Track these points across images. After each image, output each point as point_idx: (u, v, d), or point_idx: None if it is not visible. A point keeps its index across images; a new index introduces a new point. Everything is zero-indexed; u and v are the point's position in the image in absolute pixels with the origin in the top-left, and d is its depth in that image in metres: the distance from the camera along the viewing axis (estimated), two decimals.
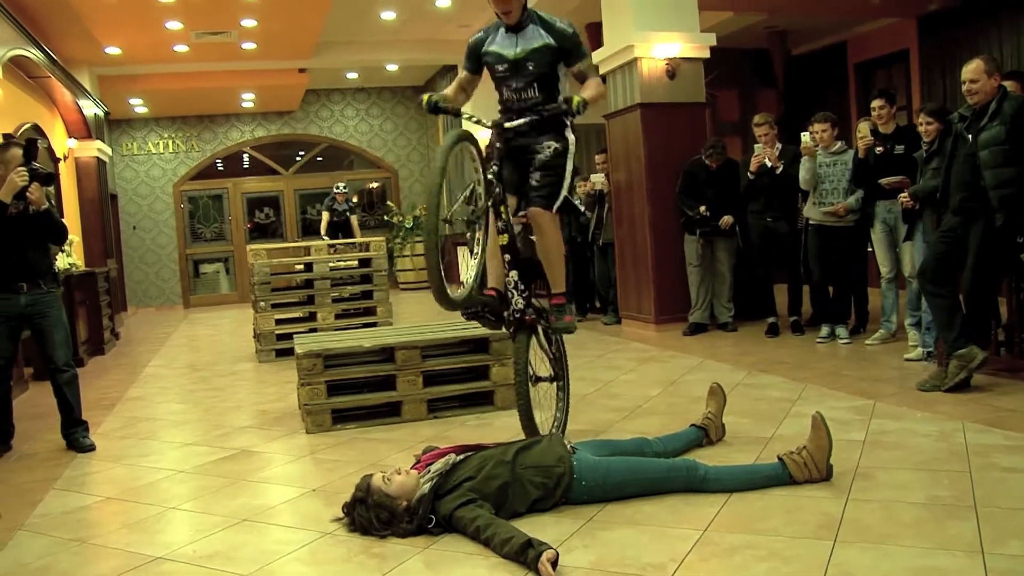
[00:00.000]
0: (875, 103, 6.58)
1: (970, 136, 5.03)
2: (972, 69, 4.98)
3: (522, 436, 4.10)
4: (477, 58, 4.36)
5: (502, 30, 4.27)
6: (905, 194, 5.99)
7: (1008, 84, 5.25)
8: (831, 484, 3.52)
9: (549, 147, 4.22)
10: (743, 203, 7.68)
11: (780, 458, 3.57)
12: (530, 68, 4.19)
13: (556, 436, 3.65)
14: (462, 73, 4.39)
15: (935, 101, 10.21)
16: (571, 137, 4.31)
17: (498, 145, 4.18)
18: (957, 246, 5.09)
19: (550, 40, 4.18)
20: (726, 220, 7.75)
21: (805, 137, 6.92)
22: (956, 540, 2.87)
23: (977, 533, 2.91)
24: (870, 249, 6.96)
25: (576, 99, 4.01)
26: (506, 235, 4.26)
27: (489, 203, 4.15)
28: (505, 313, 4.34)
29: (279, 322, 8.48)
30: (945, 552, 2.78)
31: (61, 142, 11.59)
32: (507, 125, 4.16)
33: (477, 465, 3.39)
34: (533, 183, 4.26)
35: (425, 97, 4.18)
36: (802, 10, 11.42)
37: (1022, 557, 2.71)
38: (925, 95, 11.47)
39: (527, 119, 4.15)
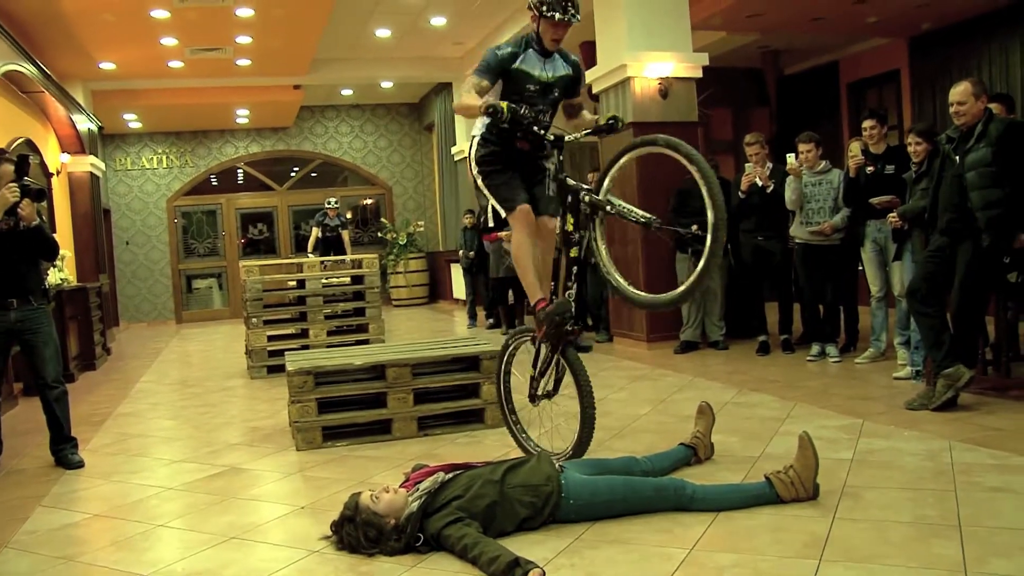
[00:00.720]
0: (866, 123, 6.63)
1: (957, 157, 5.07)
2: (960, 91, 5.03)
3: (512, 454, 4.11)
4: (503, 72, 4.21)
5: (532, 51, 4.25)
6: (894, 214, 6.03)
7: (993, 106, 5.29)
8: (818, 503, 3.53)
9: (555, 163, 4.29)
10: (734, 222, 7.71)
11: (767, 477, 3.59)
12: (555, 94, 4.35)
13: (545, 455, 3.65)
14: (484, 82, 4.17)
15: (925, 121, 10.29)
16: None
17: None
18: (945, 266, 5.12)
19: (570, 71, 4.38)
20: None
21: (791, 158, 6.97)
22: (940, 559, 2.88)
23: (961, 552, 2.93)
24: (860, 268, 6.99)
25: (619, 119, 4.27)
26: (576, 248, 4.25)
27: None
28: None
29: (271, 338, 8.49)
30: (929, 571, 2.80)
31: (54, 157, 11.60)
32: (568, 139, 4.19)
33: (465, 484, 3.40)
34: (550, 193, 4.35)
35: (505, 105, 3.96)
36: (795, 30, 11.50)
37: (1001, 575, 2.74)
38: (916, 115, 11.57)
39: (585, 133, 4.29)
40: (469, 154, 4.35)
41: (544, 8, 4.13)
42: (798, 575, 2.87)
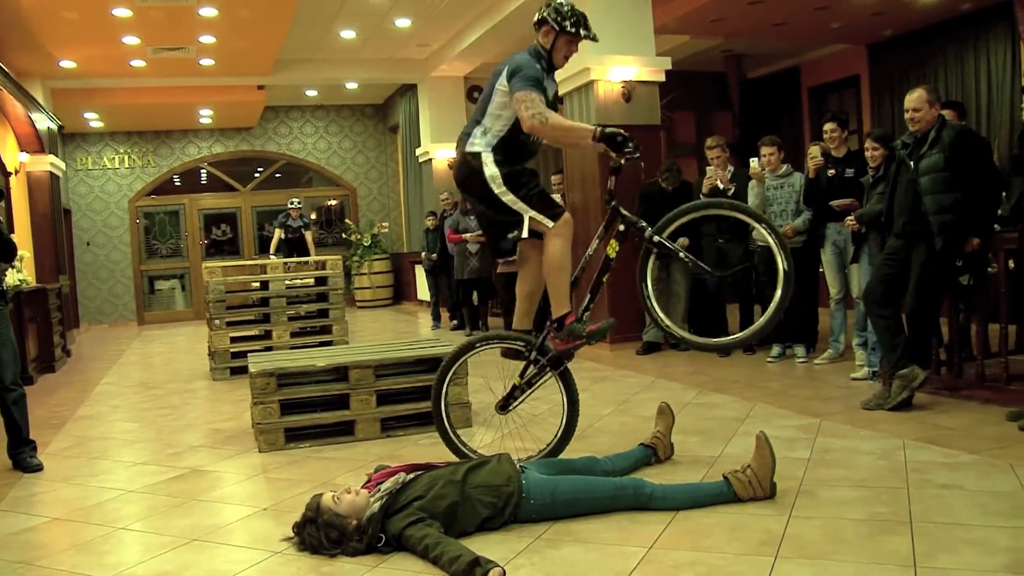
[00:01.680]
0: (827, 127, 6.73)
1: (912, 163, 5.18)
2: (915, 98, 5.14)
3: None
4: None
5: (543, 65, 4.10)
6: (851, 217, 6.13)
7: (946, 113, 5.40)
8: (774, 502, 3.60)
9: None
10: (697, 225, 7.79)
11: (725, 476, 3.65)
12: (555, 110, 4.25)
13: (506, 456, 3.69)
14: (541, 98, 3.96)
15: (883, 126, 10.47)
16: None
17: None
18: (900, 269, 5.23)
19: (555, 87, 4.31)
20: (682, 242, 7.85)
21: (754, 163, 7.06)
22: (891, 555, 2.96)
23: (911, 548, 3.00)
24: (821, 270, 7.10)
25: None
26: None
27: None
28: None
29: (234, 340, 8.44)
30: (880, 567, 2.88)
31: (12, 156, 11.44)
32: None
33: (427, 484, 3.42)
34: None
35: (619, 131, 3.91)
36: (757, 35, 11.65)
37: (952, 571, 2.82)
38: (875, 119, 11.76)
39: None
40: (481, 172, 4.06)
41: (567, 24, 4.08)
42: (754, 572, 2.93)
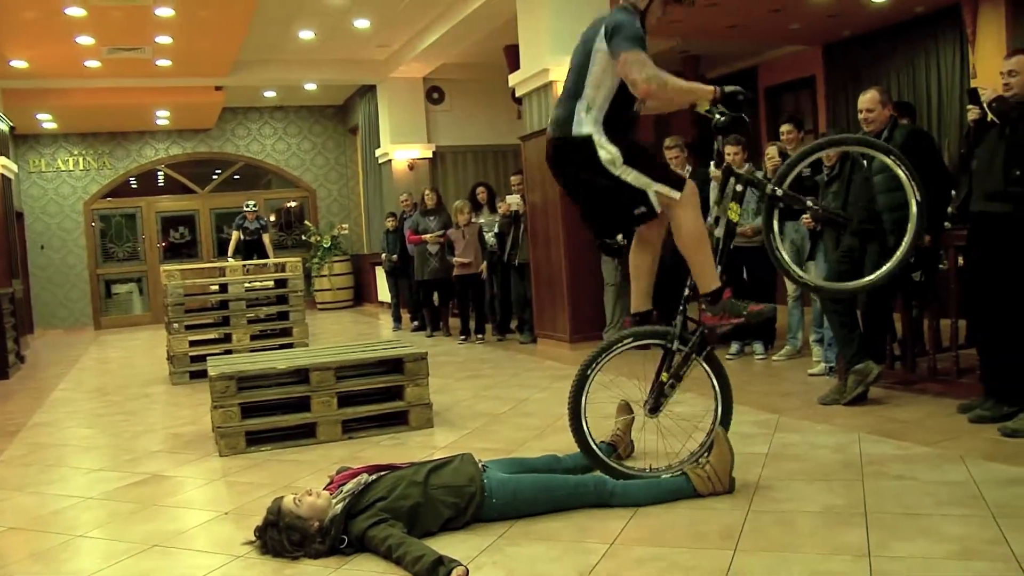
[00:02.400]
0: (784, 127, 6.83)
1: (865, 162, 5.27)
2: (868, 99, 5.24)
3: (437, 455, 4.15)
4: None
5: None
6: (807, 215, 6.21)
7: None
8: (733, 496, 3.66)
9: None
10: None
11: (685, 472, 3.70)
12: None
13: (468, 456, 3.70)
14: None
15: (838, 126, 10.63)
16: None
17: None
18: (855, 266, 5.31)
19: None
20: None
21: (713, 167, 7.11)
22: (847, 546, 3.03)
23: (866, 538, 3.07)
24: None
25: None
26: None
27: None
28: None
29: (193, 343, 8.36)
30: (836, 557, 2.95)
31: None
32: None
33: (389, 485, 3.43)
34: None
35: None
36: (713, 36, 11.76)
37: (904, 559, 2.89)
38: (830, 120, 11.93)
39: None
40: (595, 156, 3.60)
41: None
42: (713, 566, 2.97)
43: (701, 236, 3.80)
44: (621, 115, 3.65)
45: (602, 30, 3.58)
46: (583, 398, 3.89)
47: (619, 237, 7.73)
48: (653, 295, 4.21)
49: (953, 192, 5.80)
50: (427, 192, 10.75)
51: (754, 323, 4.01)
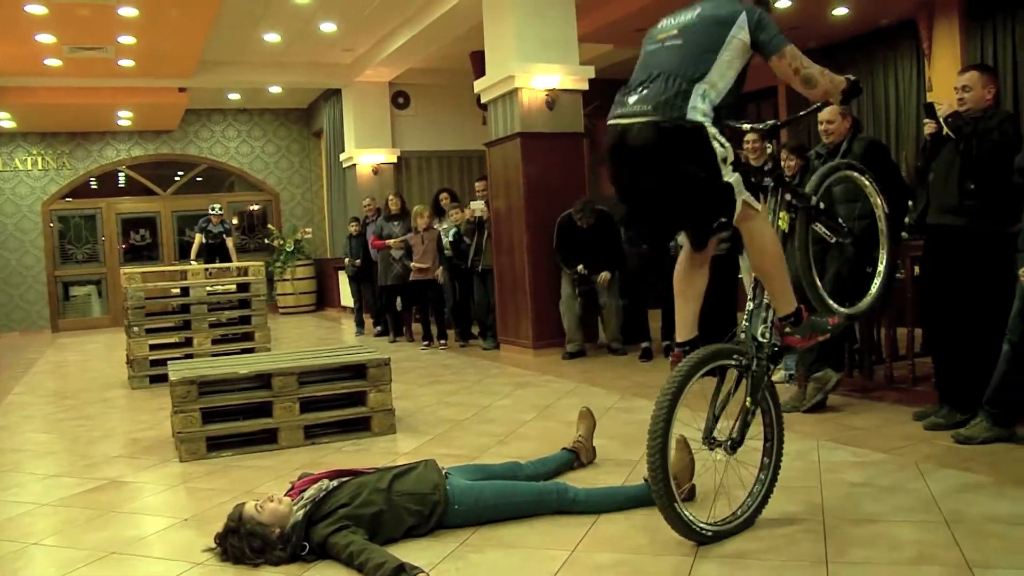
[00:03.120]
0: (748, 137, 6.90)
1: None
2: (829, 111, 5.32)
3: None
4: None
5: None
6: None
7: None
8: (694, 504, 3.68)
9: None
10: (619, 251, 7.92)
11: (646, 479, 3.72)
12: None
13: (431, 462, 3.70)
14: None
15: (798, 138, 10.77)
16: None
17: None
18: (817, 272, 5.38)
19: None
20: (604, 277, 7.97)
21: None
22: (805, 552, 3.08)
23: (823, 545, 3.12)
24: (740, 276, 7.26)
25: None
26: None
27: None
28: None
29: (153, 347, 8.28)
30: (794, 563, 3.00)
31: None
32: None
33: (352, 492, 3.42)
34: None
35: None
36: None
37: (861, 565, 2.95)
38: (791, 131, 12.07)
39: None
40: (706, 149, 3.13)
41: None
42: (674, 572, 3.01)
43: (781, 254, 3.44)
44: (728, 110, 3.27)
45: (743, 17, 3.21)
46: (666, 450, 3.24)
47: (579, 267, 7.82)
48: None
49: (911, 203, 5.91)
50: (391, 197, 10.74)
51: (834, 334, 3.71)
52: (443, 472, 3.64)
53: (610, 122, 3.25)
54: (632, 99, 3.20)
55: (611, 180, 3.39)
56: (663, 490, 3.14)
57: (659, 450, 3.17)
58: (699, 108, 3.12)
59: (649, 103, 3.13)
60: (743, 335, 3.54)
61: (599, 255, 7.99)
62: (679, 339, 3.56)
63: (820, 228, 3.87)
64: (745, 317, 3.57)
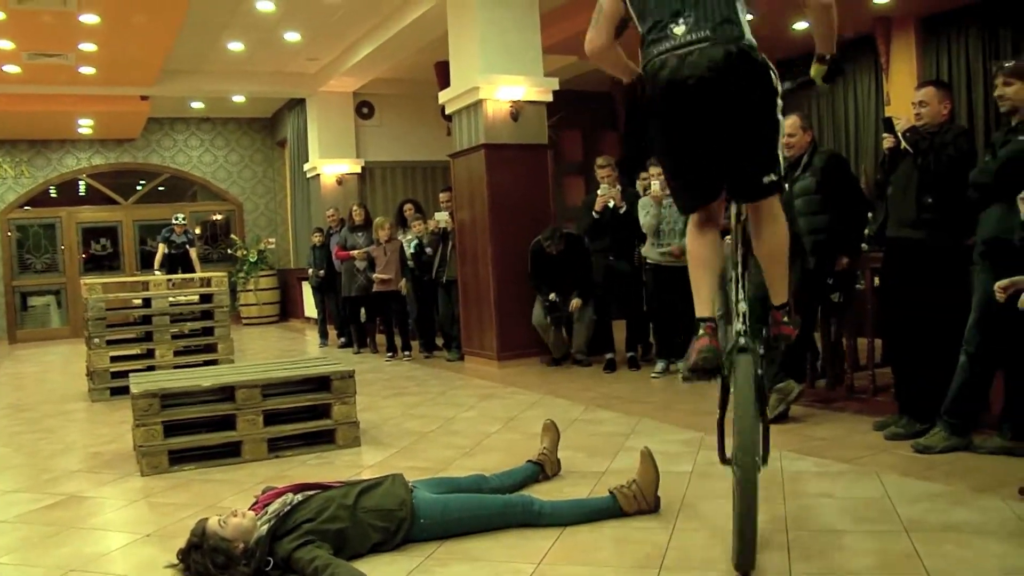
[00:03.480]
0: None
1: (786, 186, 5.42)
2: (789, 124, 5.37)
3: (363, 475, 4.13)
4: None
5: None
6: (728, 238, 6.35)
7: None
8: (659, 515, 3.72)
9: None
10: (589, 275, 7.97)
11: (611, 491, 3.75)
12: None
13: (399, 477, 3.69)
14: None
15: None
16: None
17: None
18: None
19: None
20: (575, 304, 8.02)
21: (655, 185, 7.23)
22: (768, 562, 3.11)
23: (787, 555, 3.16)
24: None
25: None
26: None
27: None
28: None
29: (115, 359, 8.17)
30: (757, 573, 3.01)
31: None
32: None
33: (318, 507, 3.40)
34: None
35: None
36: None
37: (822, 575, 2.99)
38: None
39: None
40: (767, 79, 2.95)
41: None
42: None
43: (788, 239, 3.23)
44: None
45: None
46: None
47: (552, 296, 7.85)
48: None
49: (870, 215, 6.01)
50: (355, 208, 10.71)
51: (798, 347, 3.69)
52: (409, 486, 3.63)
53: (658, 58, 2.91)
54: (679, 28, 2.86)
55: (659, 129, 3.05)
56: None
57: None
58: (748, 33, 2.88)
59: (704, 28, 2.83)
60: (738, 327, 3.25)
61: (570, 279, 8.06)
62: (701, 314, 3.34)
63: None
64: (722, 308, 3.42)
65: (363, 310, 10.51)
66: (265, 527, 3.31)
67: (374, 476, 3.83)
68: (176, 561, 3.36)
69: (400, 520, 3.47)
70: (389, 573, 3.18)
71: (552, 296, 8.03)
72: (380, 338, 10.51)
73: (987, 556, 3.07)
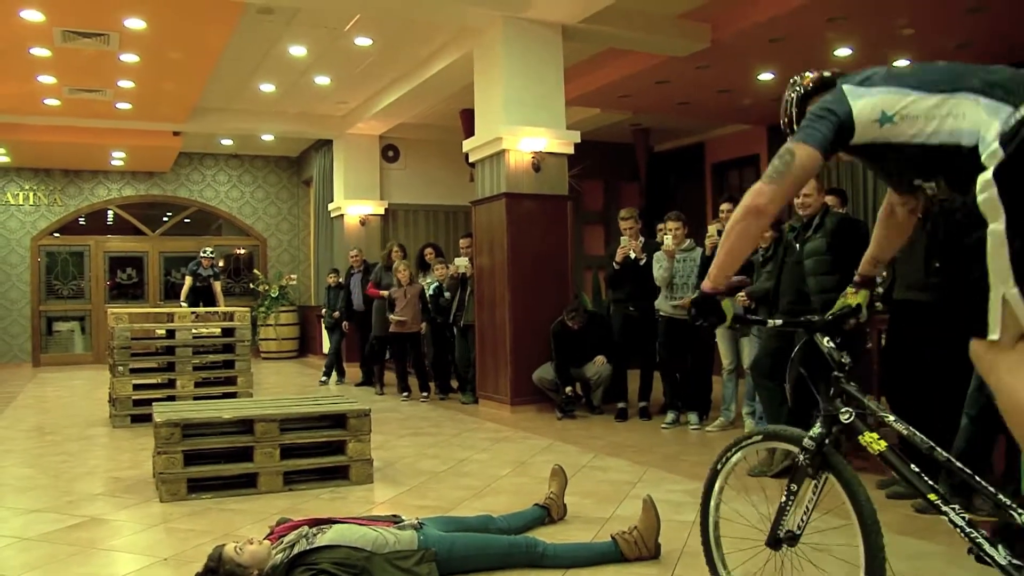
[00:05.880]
0: (723, 207, 7.15)
1: (797, 245, 5.58)
2: (808, 185, 5.56)
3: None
4: None
5: None
6: (743, 293, 6.50)
7: (830, 199, 5.85)
8: (659, 561, 3.83)
9: None
10: (611, 342, 8.13)
11: (613, 537, 3.86)
12: None
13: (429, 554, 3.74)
14: None
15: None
16: None
17: None
18: (785, 343, 5.58)
19: None
20: (600, 360, 8.19)
21: (667, 239, 7.40)
22: None
23: None
24: (715, 341, 7.45)
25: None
26: None
27: None
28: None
29: (137, 387, 8.36)
30: None
31: None
32: None
33: (343, 556, 3.50)
34: None
35: None
36: (663, 111, 12.20)
37: None
38: None
39: None
40: None
41: None
42: None
43: None
44: None
45: None
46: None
47: (568, 389, 7.99)
48: None
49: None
50: (396, 248, 10.79)
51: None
52: (417, 522, 3.76)
53: None
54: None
55: None
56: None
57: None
58: None
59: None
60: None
61: (593, 349, 8.26)
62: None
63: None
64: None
65: (388, 349, 10.59)
66: (280, 556, 3.45)
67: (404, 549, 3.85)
68: None
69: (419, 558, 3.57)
70: None
71: (569, 390, 8.15)
72: (389, 375, 10.61)
73: None
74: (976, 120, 2.40)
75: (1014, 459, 4.55)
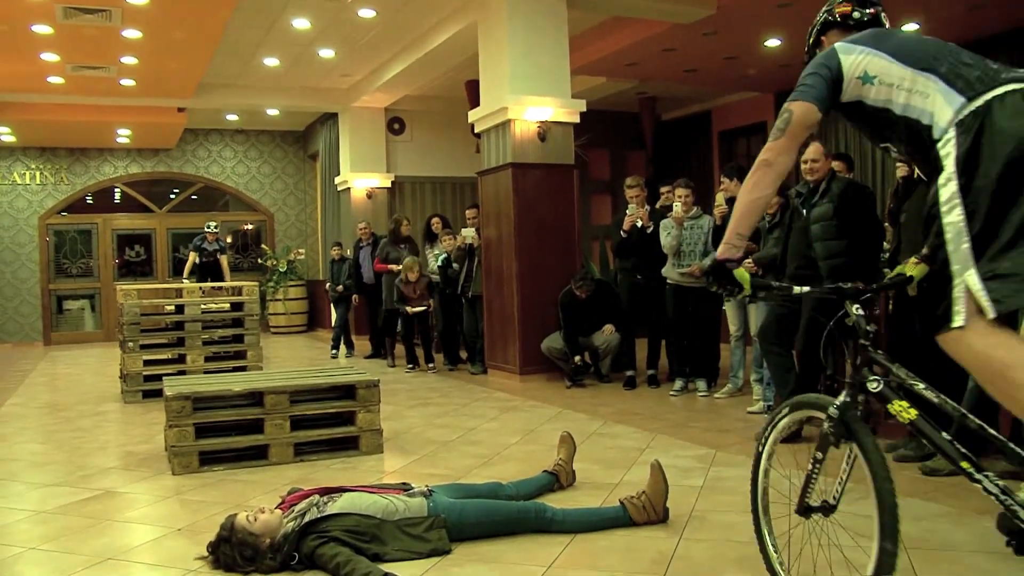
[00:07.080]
0: (723, 180, 7.16)
1: (804, 211, 5.56)
2: (813, 150, 5.54)
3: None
4: None
5: None
6: (750, 260, 6.49)
7: (836, 164, 5.82)
8: (667, 525, 3.86)
9: None
10: (620, 311, 8.13)
11: (621, 502, 3.90)
12: None
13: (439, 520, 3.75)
14: None
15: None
16: None
17: None
18: (792, 309, 5.59)
19: None
20: (609, 329, 8.20)
21: (677, 206, 7.38)
22: (765, 572, 3.24)
23: (789, 566, 3.28)
24: (723, 308, 7.46)
25: None
26: None
27: None
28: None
29: (147, 363, 8.42)
30: None
31: None
32: None
33: (352, 523, 3.54)
34: None
35: None
36: (670, 79, 12.14)
37: None
38: None
39: None
40: None
41: None
42: None
43: None
44: None
45: None
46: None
47: (576, 359, 7.99)
48: None
49: (885, 243, 6.12)
50: (404, 222, 10.81)
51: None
52: (427, 489, 3.80)
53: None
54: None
55: None
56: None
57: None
58: None
59: None
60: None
61: (602, 318, 8.27)
62: None
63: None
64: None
65: (400, 322, 10.61)
66: (291, 524, 3.49)
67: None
68: (206, 553, 3.55)
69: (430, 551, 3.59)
70: (406, 571, 3.33)
71: (577, 359, 8.16)
72: (399, 348, 10.65)
73: (978, 574, 3.19)
74: (934, 102, 2.51)
75: (1019, 421, 4.56)
